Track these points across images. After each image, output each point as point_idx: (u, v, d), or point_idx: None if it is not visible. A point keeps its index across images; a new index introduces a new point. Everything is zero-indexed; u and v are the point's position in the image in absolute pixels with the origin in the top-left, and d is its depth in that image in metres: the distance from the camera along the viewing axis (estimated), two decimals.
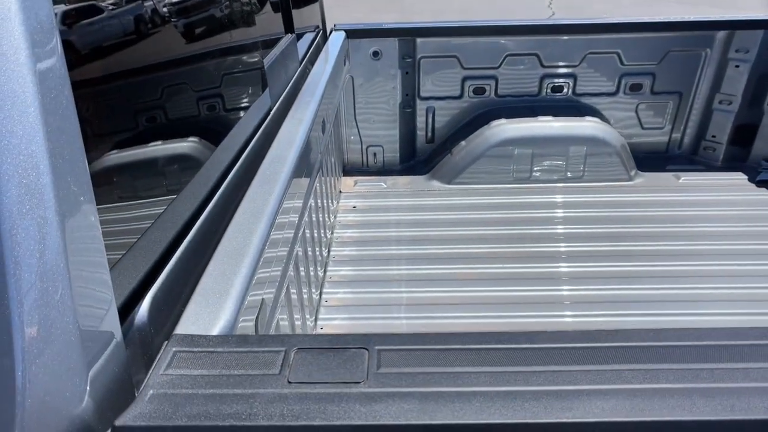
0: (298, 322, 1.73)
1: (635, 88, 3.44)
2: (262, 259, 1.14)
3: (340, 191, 3.31)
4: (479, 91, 3.44)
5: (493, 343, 0.82)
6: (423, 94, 3.46)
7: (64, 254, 0.72)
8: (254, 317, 1.09)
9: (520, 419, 0.69)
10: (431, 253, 2.70)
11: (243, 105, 1.55)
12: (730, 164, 3.50)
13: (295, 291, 1.67)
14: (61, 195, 0.71)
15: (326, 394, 0.75)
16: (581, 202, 3.15)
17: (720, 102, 3.42)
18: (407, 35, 3.25)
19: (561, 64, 3.38)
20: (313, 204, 1.93)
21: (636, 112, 3.52)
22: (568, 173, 3.33)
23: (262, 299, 1.15)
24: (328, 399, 0.74)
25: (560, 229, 2.90)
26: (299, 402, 0.74)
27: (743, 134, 3.43)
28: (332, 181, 3.05)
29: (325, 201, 2.73)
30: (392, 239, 2.82)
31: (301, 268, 1.84)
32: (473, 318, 2.26)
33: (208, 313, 0.96)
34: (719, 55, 3.32)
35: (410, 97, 3.44)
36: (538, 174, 3.32)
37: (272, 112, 1.72)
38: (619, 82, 3.43)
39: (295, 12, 2.67)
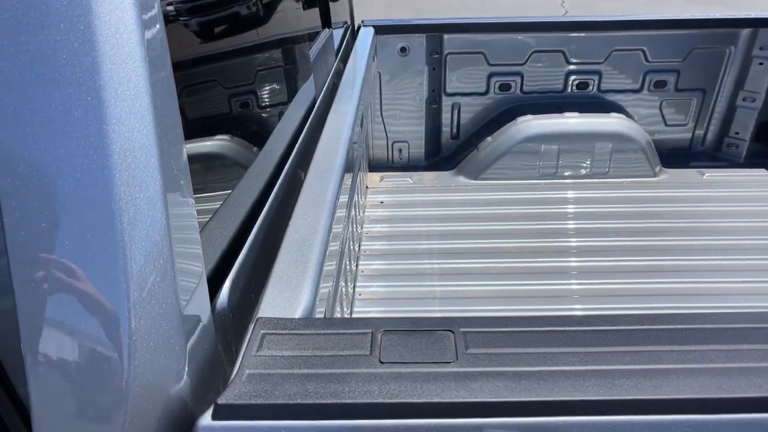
0: (337, 315, 1.76)
1: (659, 85, 3.45)
2: (327, 251, 1.16)
3: (367, 186, 3.34)
4: (505, 87, 3.46)
5: (575, 326, 0.84)
6: (449, 90, 3.48)
7: (168, 236, 0.75)
8: (324, 307, 1.12)
9: (615, 396, 0.71)
10: (461, 248, 2.72)
11: (294, 97, 1.58)
12: (753, 161, 3.50)
13: (343, 284, 1.70)
14: (167, 176, 0.74)
15: (420, 373, 0.77)
16: (607, 198, 3.16)
17: (744, 99, 3.42)
18: (435, 31, 3.27)
19: (586, 60, 3.39)
20: (356, 199, 1.96)
21: (660, 109, 3.53)
22: (594, 169, 3.34)
23: (329, 290, 1.18)
24: (423, 378, 0.76)
25: (586, 225, 2.92)
26: (394, 381, 0.76)
27: (766, 131, 3.43)
28: (360, 177, 3.08)
29: (355, 196, 2.76)
30: (422, 234, 2.85)
31: (345, 262, 1.87)
32: (510, 312, 2.28)
33: (287, 298, 0.99)
34: (743, 53, 3.33)
35: (436, 93, 3.46)
36: (564, 170, 3.34)
37: (317, 105, 1.75)
38: (644, 79, 3.44)
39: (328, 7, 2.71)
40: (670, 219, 2.94)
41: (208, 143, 1.16)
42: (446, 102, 3.51)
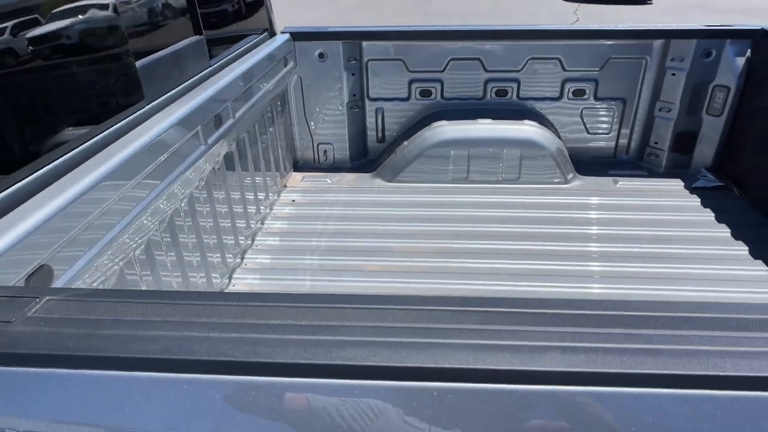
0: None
1: (579, 94, 3.51)
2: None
3: (285, 185, 3.50)
4: (426, 93, 3.57)
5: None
6: (372, 95, 3.62)
7: None
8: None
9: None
10: (348, 246, 2.85)
11: (107, 103, 1.75)
12: (672, 171, 3.52)
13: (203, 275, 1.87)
14: None
15: None
16: (514, 203, 3.25)
17: (660, 110, 3.45)
18: (351, 38, 3.41)
19: (503, 68, 3.47)
20: (189, 193, 2.10)
21: (581, 117, 3.59)
22: (505, 175, 3.42)
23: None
24: None
25: (486, 228, 3.00)
26: None
27: (683, 141, 3.45)
28: (271, 176, 3.24)
29: (253, 193, 2.92)
30: (317, 232, 2.99)
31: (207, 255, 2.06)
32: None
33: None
34: (657, 64, 3.36)
35: (358, 97, 3.60)
36: (474, 175, 3.43)
37: (144, 110, 1.90)
38: (563, 88, 3.50)
39: (240, 15, 2.90)
40: (575, 225, 3.01)
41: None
42: (370, 106, 3.65)
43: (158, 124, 1.83)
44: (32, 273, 1.25)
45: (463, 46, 3.43)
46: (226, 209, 2.59)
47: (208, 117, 2.17)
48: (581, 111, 3.58)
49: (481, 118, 3.46)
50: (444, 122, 3.46)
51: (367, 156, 3.81)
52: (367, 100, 3.63)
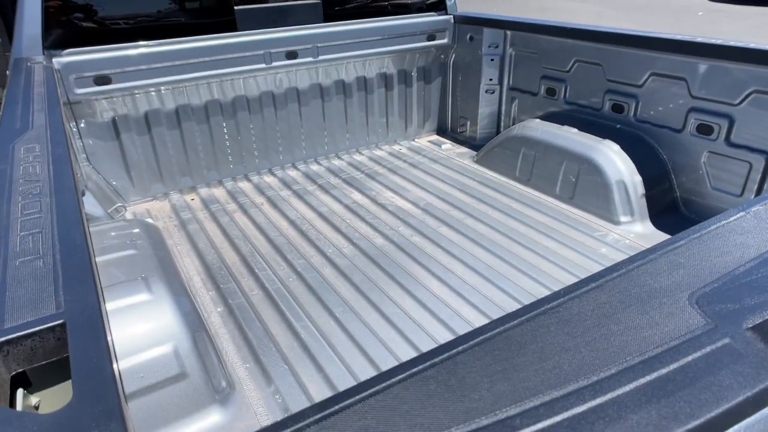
0: None
1: (705, 131, 2.70)
2: None
3: (414, 140, 4.13)
4: (551, 92, 3.44)
5: None
6: (509, 83, 3.73)
7: None
8: None
9: None
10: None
11: None
12: None
13: None
14: None
15: None
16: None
17: None
18: (495, 26, 3.63)
19: (622, 80, 3.00)
20: None
21: (704, 163, 2.73)
22: (559, 189, 3.07)
23: None
24: None
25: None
26: None
27: None
28: (389, 124, 3.97)
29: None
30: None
31: None
32: None
33: None
34: None
35: (495, 82, 3.77)
36: (536, 179, 3.21)
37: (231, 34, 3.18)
38: (686, 119, 2.76)
39: None
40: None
41: None
42: (507, 94, 3.76)
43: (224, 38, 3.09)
44: None
45: (586, 46, 3.14)
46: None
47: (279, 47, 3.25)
48: (705, 155, 2.72)
49: (569, 126, 3.14)
50: (536, 121, 3.31)
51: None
52: (503, 88, 3.75)
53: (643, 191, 2.79)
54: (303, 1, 3.41)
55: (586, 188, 2.92)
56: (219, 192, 3.35)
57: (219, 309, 2.24)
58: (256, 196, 3.28)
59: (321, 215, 3.01)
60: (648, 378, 0.59)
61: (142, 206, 3.18)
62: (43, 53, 2.65)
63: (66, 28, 2.74)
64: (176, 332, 1.71)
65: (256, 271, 2.50)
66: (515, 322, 0.69)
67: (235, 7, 3.17)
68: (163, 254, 2.07)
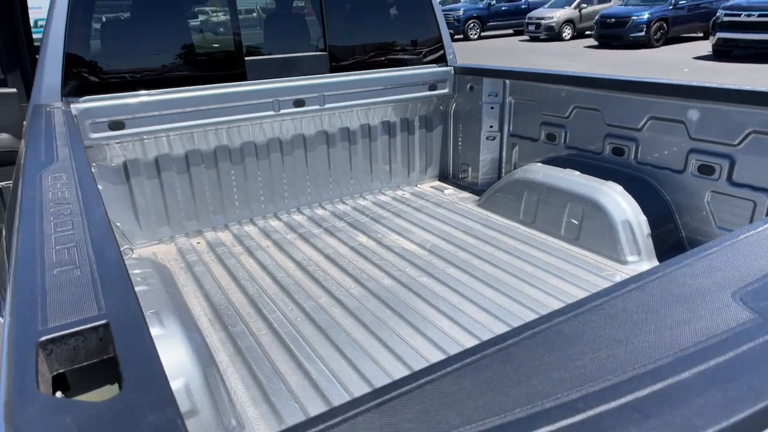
0: None
1: (706, 171, 2.75)
2: None
3: (416, 186, 4.18)
4: (551, 137, 3.53)
5: None
6: (509, 130, 3.82)
7: None
8: None
9: None
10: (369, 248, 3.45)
11: None
12: None
13: None
14: None
15: None
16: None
17: None
18: (495, 76, 3.75)
19: (622, 124, 3.08)
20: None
21: (707, 203, 2.77)
22: (564, 231, 3.09)
23: None
24: None
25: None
26: None
27: None
28: (395, 171, 4.03)
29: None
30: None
31: None
32: None
33: None
34: None
35: (495, 129, 3.87)
36: (540, 223, 3.23)
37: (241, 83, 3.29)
38: (687, 160, 2.83)
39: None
40: None
41: None
42: (507, 141, 3.85)
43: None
44: None
45: (584, 93, 3.25)
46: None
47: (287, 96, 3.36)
48: (707, 195, 2.76)
49: (572, 169, 3.19)
50: (538, 164, 3.37)
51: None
52: (504, 134, 3.84)
53: (649, 231, 2.82)
54: (310, 53, 3.53)
55: (592, 229, 2.94)
56: (225, 235, 3.36)
57: (228, 348, 2.20)
58: (262, 239, 3.28)
59: (328, 257, 3.00)
60: (706, 365, 0.59)
61: (148, 249, 3.17)
62: (62, 100, 2.72)
63: (84, 76, 2.82)
64: (188, 367, 1.68)
65: (264, 311, 2.47)
66: (562, 318, 0.69)
67: (246, 58, 3.28)
68: (173, 291, 2.06)
